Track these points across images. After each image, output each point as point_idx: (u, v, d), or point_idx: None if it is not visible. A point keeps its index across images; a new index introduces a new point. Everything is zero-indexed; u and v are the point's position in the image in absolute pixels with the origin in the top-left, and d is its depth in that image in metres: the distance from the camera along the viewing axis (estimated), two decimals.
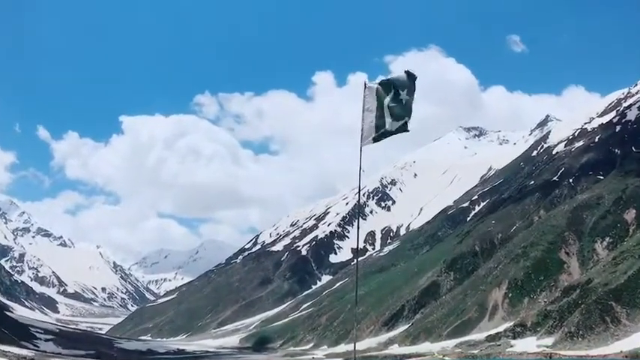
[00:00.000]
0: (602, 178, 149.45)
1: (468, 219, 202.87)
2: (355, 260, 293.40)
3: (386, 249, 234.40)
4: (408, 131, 9.20)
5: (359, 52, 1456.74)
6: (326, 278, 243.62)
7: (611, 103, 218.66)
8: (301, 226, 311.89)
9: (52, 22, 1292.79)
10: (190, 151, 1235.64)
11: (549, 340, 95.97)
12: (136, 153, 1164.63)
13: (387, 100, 8.68)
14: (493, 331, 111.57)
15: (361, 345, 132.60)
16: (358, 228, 13.68)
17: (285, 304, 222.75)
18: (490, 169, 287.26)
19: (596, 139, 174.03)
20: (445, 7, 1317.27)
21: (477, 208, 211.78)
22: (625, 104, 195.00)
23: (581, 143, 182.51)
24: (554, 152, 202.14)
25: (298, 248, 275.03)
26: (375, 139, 8.54)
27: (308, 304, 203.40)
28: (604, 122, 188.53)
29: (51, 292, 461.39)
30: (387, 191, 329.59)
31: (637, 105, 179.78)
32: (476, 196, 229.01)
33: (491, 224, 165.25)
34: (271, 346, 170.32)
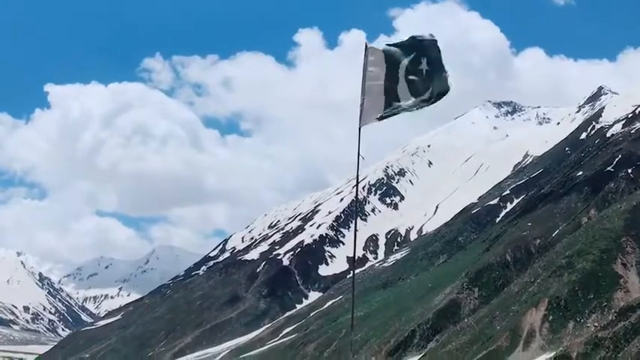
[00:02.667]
0: None
1: (498, 220, 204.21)
2: (352, 272, 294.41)
3: (392, 258, 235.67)
4: (429, 104, 9.16)
5: (354, 4, 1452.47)
6: (314, 295, 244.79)
7: None
8: (282, 229, 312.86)
9: None
10: (138, 131, 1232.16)
11: None
12: (66, 133, 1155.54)
13: (402, 69, 8.62)
14: None
15: None
16: (356, 231, 13.80)
17: (262, 329, 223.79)
18: (526, 155, 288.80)
19: None
20: None
21: (509, 207, 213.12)
22: None
23: None
24: (608, 135, 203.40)
25: (279, 257, 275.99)
26: (382, 117, 8.50)
27: (291, 328, 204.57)
28: None
29: None
30: (394, 184, 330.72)
31: None
32: (508, 191, 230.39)
33: (527, 227, 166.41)
34: None
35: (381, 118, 8.57)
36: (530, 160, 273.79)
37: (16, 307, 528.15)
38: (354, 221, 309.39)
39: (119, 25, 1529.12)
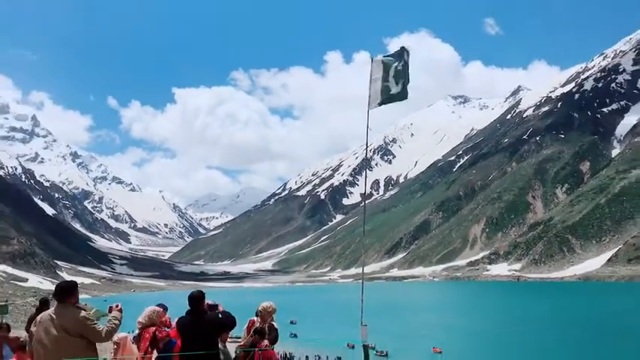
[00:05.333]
0: (562, 136, 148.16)
1: (454, 170, 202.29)
2: (363, 203, 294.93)
3: (388, 194, 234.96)
4: (406, 98, 9.05)
5: (362, 35, 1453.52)
6: (340, 217, 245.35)
7: (571, 76, 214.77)
8: (320, 176, 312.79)
9: (119, 8, 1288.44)
10: (229, 116, 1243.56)
11: (518, 266, 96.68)
12: (186, 118, 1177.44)
13: (391, 70, 8.64)
14: (473, 259, 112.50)
15: (368, 269, 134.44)
16: (366, 177, 13.35)
17: (308, 237, 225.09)
18: (472, 129, 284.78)
19: (559, 105, 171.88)
20: None
21: (461, 161, 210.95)
22: (582, 77, 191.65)
23: (546, 108, 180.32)
24: (524, 116, 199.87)
25: (318, 193, 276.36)
26: (381, 103, 8.50)
27: (325, 237, 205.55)
28: (565, 91, 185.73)
29: (124, 227, 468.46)
30: (389, 148, 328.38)
31: (592, 77, 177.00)
32: (460, 152, 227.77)
33: (472, 174, 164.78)
34: (296, 269, 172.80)
35: (381, 104, 8.53)
36: (475, 132, 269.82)
37: (159, 224, 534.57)
38: (364, 171, 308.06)
39: (216, 50, 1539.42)
